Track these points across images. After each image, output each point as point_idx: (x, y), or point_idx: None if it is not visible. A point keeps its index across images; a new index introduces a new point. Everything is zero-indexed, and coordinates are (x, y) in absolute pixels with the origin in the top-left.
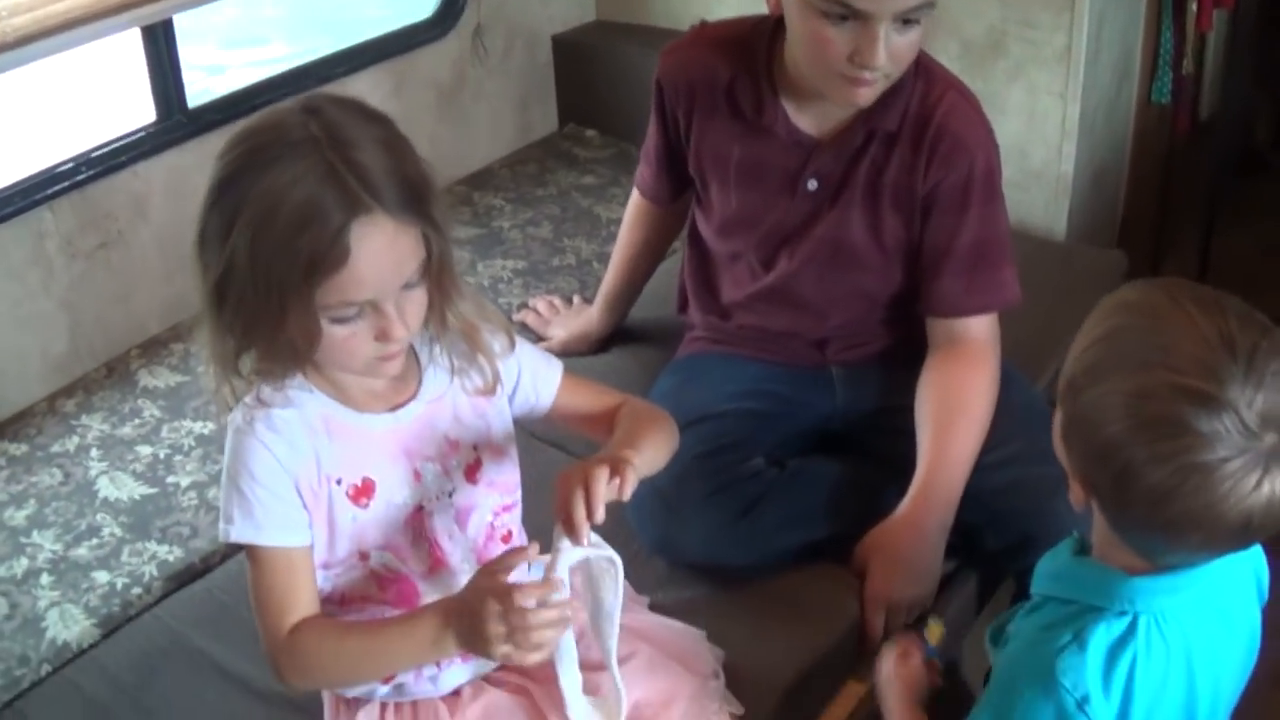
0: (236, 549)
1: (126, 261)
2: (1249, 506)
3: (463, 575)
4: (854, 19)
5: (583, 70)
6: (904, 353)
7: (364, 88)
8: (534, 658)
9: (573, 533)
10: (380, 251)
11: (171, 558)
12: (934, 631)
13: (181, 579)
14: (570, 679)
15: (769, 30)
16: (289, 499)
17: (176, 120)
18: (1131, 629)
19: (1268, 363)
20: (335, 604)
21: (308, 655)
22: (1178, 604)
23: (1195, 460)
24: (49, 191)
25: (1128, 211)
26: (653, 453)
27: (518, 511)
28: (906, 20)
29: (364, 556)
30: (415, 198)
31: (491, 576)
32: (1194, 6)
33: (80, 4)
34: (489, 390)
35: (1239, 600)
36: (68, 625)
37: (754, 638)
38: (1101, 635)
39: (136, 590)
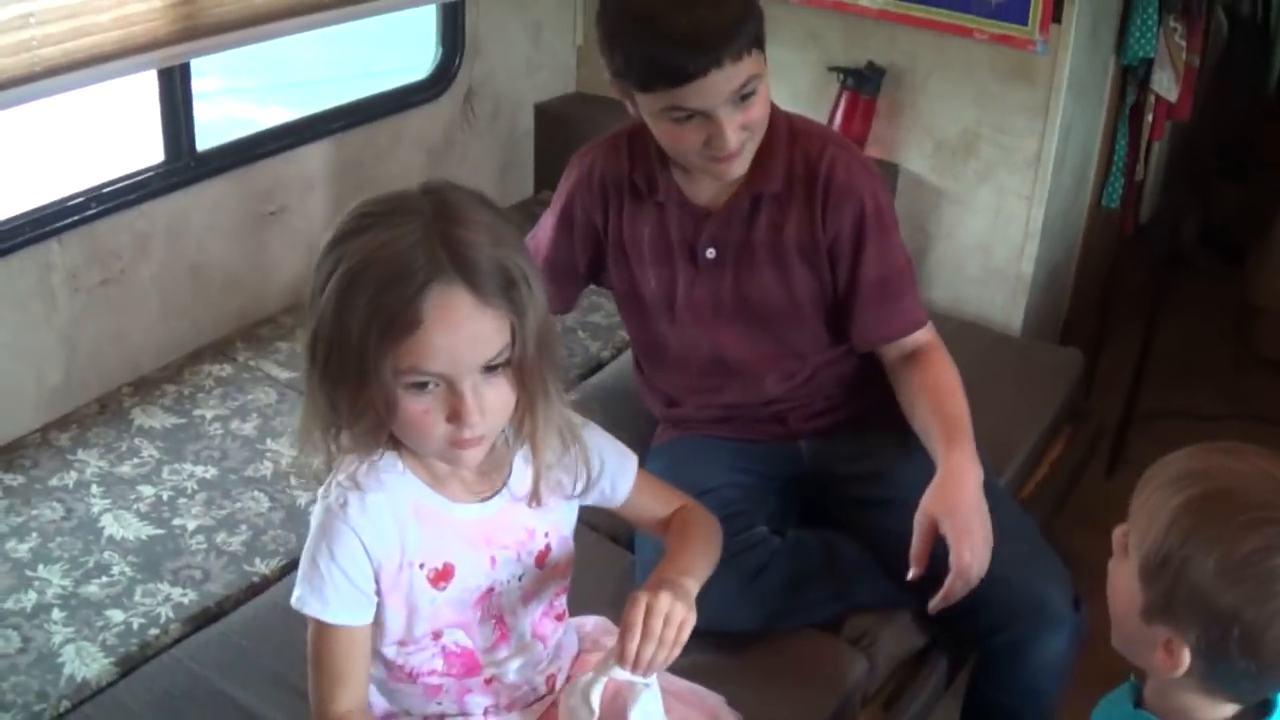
0: (252, 594)
1: (126, 299)
2: None
3: (520, 651)
4: (697, 114)
5: (560, 139)
6: (876, 420)
7: (362, 142)
8: None
9: (624, 662)
10: (456, 324)
11: (186, 600)
12: None
13: (198, 622)
14: None
15: None
16: (363, 585)
17: (185, 163)
18: None
19: None
20: (404, 678)
21: None
22: None
23: None
24: (59, 224)
25: (1071, 307)
26: (704, 567)
27: (566, 590)
28: (744, 96)
29: (437, 636)
30: (505, 282)
31: None
32: (1149, 117)
33: (109, 39)
34: (576, 495)
35: None
36: (86, 663)
37: (761, 703)
38: None
39: (154, 631)
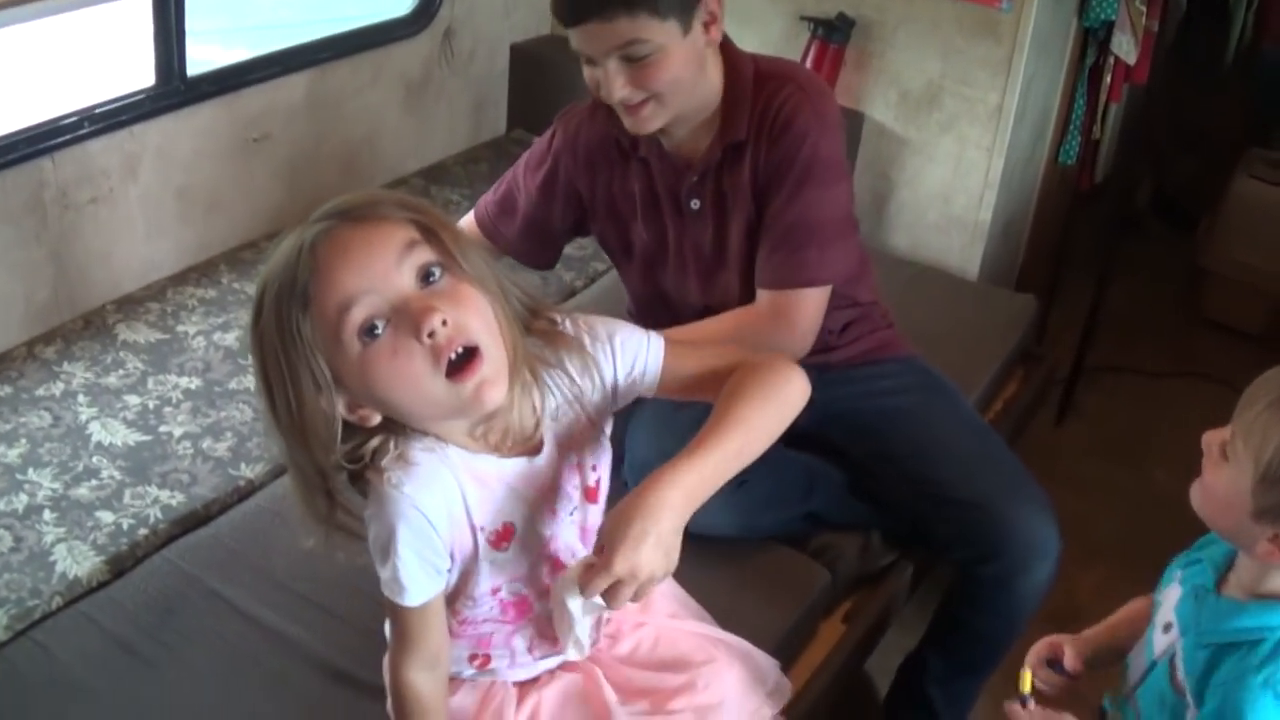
0: (239, 498)
1: (113, 219)
2: None
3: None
4: (590, 59)
5: (533, 79)
6: (866, 361)
7: (345, 74)
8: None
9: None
10: (344, 246)
11: (174, 502)
12: (1025, 679)
13: (186, 524)
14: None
15: None
16: (436, 561)
17: (175, 87)
18: None
19: None
20: (454, 629)
21: (403, 703)
22: None
23: None
24: (53, 143)
25: (1025, 260)
26: (741, 442)
27: None
28: (630, 56)
29: (496, 590)
30: (391, 204)
31: None
32: (1108, 78)
33: None
34: (605, 409)
35: None
36: (77, 561)
37: (727, 611)
38: None
39: (143, 531)
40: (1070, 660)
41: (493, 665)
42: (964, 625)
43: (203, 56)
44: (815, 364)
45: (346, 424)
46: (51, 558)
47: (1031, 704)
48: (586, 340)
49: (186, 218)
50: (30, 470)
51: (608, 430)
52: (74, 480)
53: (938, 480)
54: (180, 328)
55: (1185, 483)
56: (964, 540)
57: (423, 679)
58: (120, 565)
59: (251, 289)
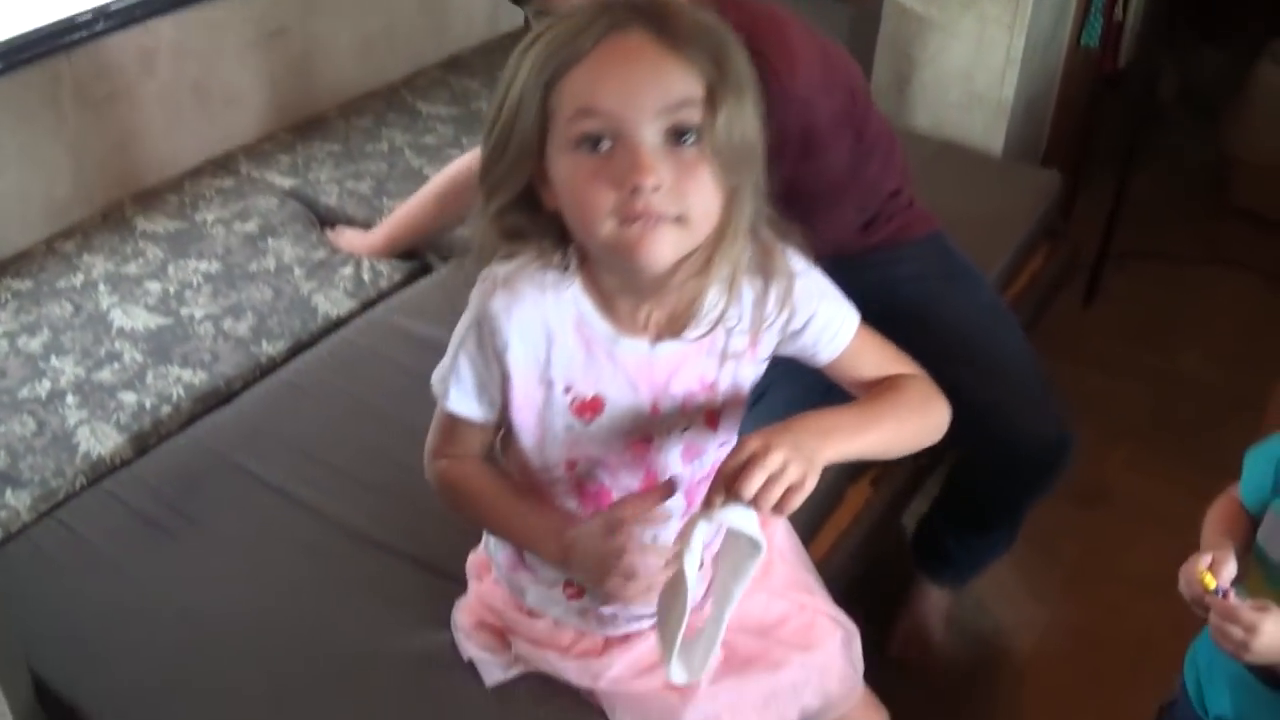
0: (260, 374)
1: (130, 114)
2: None
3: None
4: None
5: None
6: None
7: None
8: (632, 596)
9: (712, 500)
10: (630, 55)
11: (197, 380)
12: (1208, 578)
13: (209, 401)
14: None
15: None
16: (489, 387)
17: None
18: None
19: None
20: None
21: (448, 488)
22: None
23: None
24: (69, 39)
25: (1050, 142)
26: (871, 437)
27: None
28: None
29: (572, 465)
30: (707, 39)
31: (618, 508)
32: None
33: None
34: (768, 351)
35: None
36: (100, 441)
37: None
38: None
39: (166, 409)
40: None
41: (586, 599)
42: (971, 496)
43: None
44: (829, 255)
45: (524, 201)
46: (75, 439)
47: (1232, 594)
48: (799, 284)
49: (204, 112)
50: (53, 358)
51: (760, 371)
52: (96, 365)
53: (951, 384)
54: (199, 216)
55: (1213, 367)
56: (973, 439)
57: (457, 462)
58: (143, 443)
59: (271, 178)
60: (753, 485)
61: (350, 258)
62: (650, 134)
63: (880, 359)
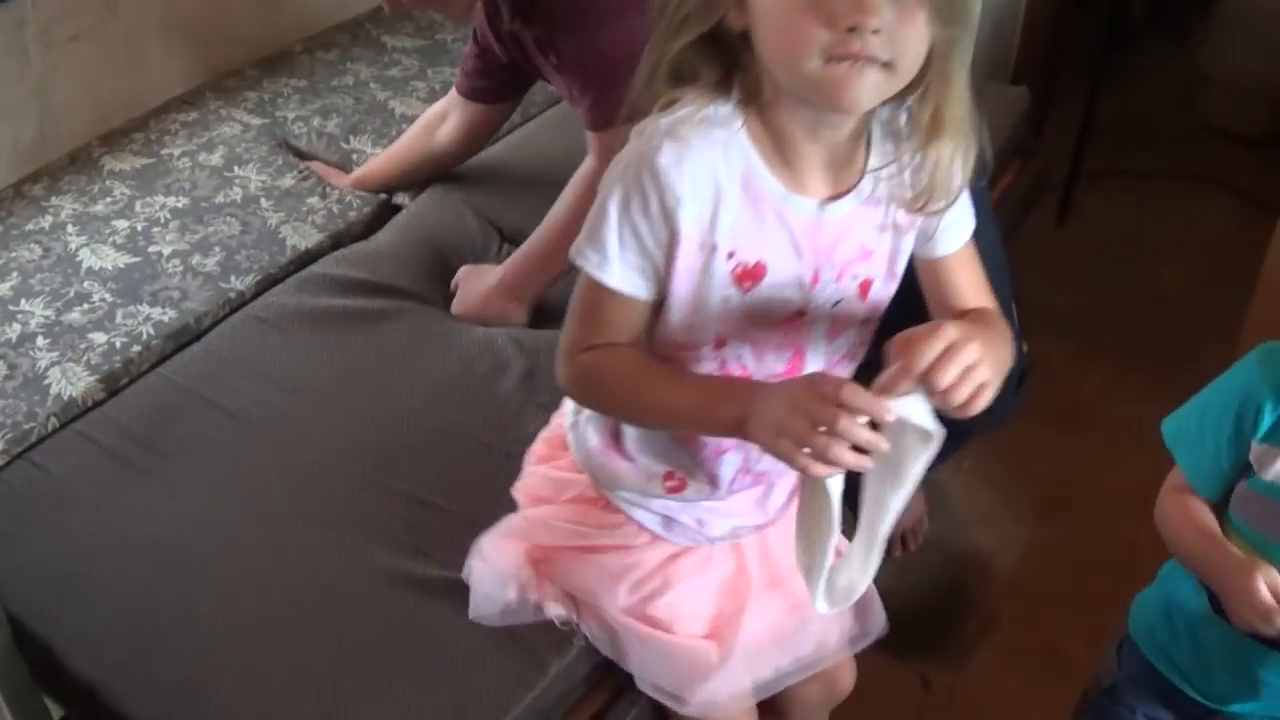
0: (230, 310)
1: (95, 54)
2: None
3: None
4: None
5: None
6: None
7: None
8: (816, 468)
9: (894, 385)
10: None
11: (166, 318)
12: None
13: (179, 339)
14: (824, 532)
15: None
16: (653, 250)
17: None
18: None
19: None
20: None
21: (587, 371)
22: None
23: None
24: None
25: (1018, 61)
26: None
27: (866, 346)
28: None
29: (720, 344)
30: None
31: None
32: None
33: None
34: (909, 232)
35: None
36: (71, 382)
37: None
38: None
39: (136, 349)
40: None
41: (687, 491)
42: None
43: None
44: None
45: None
46: (46, 381)
47: None
48: (958, 165)
49: (171, 50)
50: (22, 301)
51: (905, 253)
52: (65, 306)
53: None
54: (164, 150)
55: (1188, 285)
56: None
57: (606, 350)
58: (114, 383)
59: (237, 113)
60: (949, 375)
61: (318, 186)
62: None
63: (977, 277)
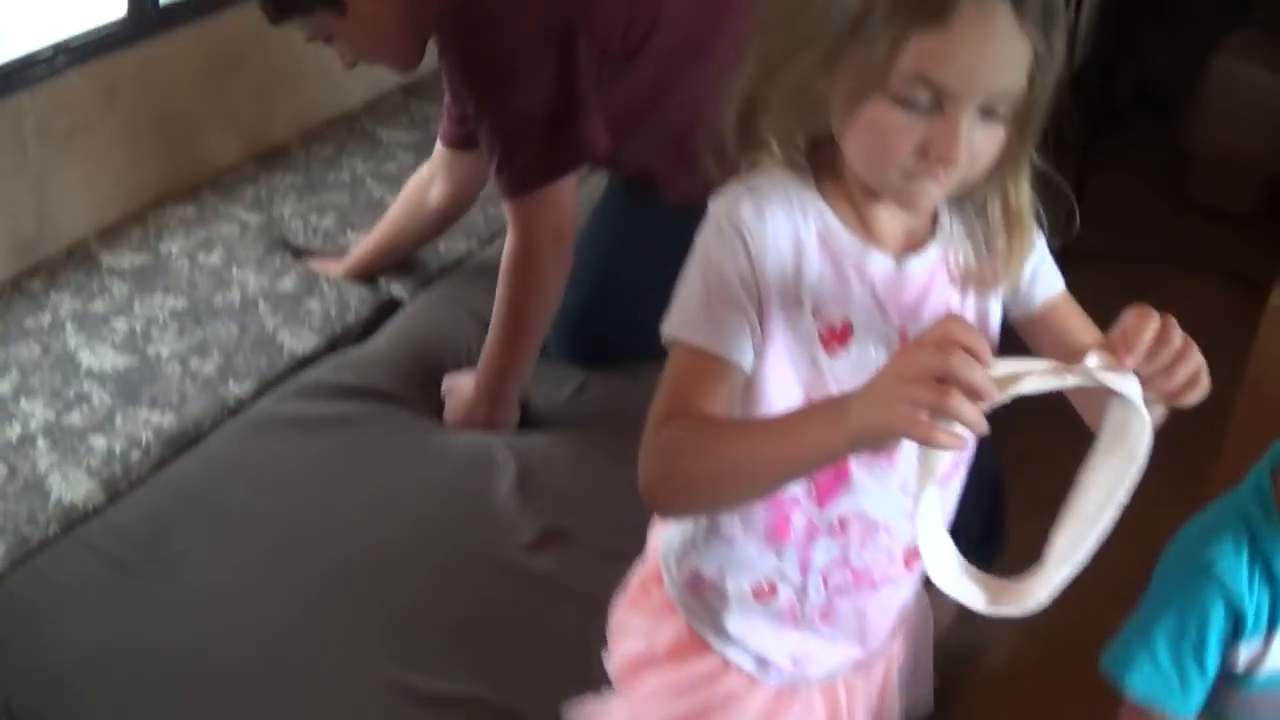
0: (228, 414)
1: (93, 149)
2: None
3: (902, 467)
4: None
5: None
6: None
7: None
8: (939, 437)
9: (1120, 352)
10: (990, 36)
11: (165, 423)
12: None
13: (178, 444)
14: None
15: None
16: (745, 301)
17: (148, 15)
18: None
19: None
20: None
21: (671, 443)
22: None
23: None
24: (30, 75)
25: None
26: None
27: None
28: None
29: None
30: (1046, 12)
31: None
32: None
33: None
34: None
35: None
36: (72, 487)
37: None
38: None
39: (136, 454)
40: None
41: (779, 597)
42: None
43: None
44: None
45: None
46: (47, 485)
47: None
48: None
49: (167, 145)
50: (22, 399)
51: (994, 314)
52: (65, 407)
53: None
54: (164, 248)
55: None
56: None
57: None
58: (114, 488)
59: (234, 210)
60: (1165, 355)
61: (316, 286)
62: (972, 109)
63: (1085, 319)
